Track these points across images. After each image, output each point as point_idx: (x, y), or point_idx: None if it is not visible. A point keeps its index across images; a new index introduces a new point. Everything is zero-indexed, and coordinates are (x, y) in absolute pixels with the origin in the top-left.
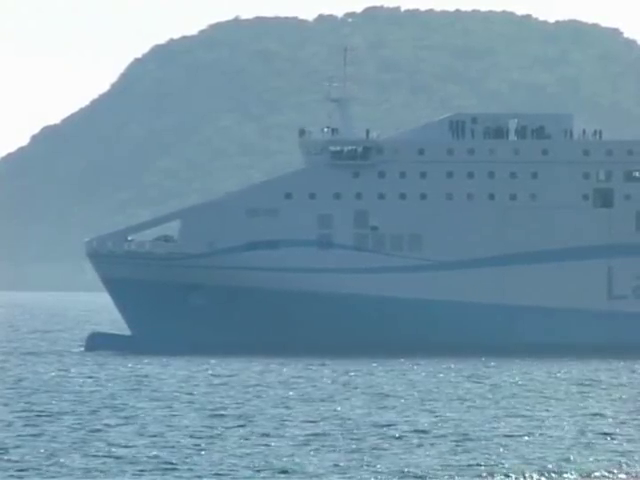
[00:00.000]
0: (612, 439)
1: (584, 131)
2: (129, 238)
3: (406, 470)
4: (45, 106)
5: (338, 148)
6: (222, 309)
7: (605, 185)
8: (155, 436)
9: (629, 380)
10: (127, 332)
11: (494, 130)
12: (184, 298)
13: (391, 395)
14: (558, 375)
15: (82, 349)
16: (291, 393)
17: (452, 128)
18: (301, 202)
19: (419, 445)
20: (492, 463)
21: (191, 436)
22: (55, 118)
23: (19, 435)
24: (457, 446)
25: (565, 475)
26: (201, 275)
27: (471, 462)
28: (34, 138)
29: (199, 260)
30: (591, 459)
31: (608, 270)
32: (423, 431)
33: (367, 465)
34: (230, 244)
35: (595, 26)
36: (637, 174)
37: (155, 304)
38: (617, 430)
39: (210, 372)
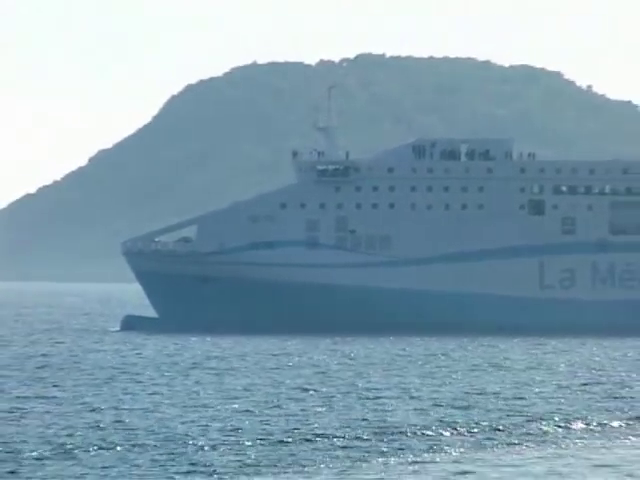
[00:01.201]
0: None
1: (521, 153)
2: (156, 239)
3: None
4: (100, 133)
5: (323, 167)
6: (229, 297)
7: (537, 197)
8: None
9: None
10: (154, 315)
11: (449, 152)
12: (199, 288)
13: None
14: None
15: (118, 329)
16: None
17: (415, 151)
18: (293, 210)
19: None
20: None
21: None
22: (108, 143)
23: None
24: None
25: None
26: (213, 269)
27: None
28: (91, 159)
29: (211, 257)
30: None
31: (540, 265)
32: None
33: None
34: (236, 244)
35: (542, 69)
36: (564, 188)
37: (176, 292)
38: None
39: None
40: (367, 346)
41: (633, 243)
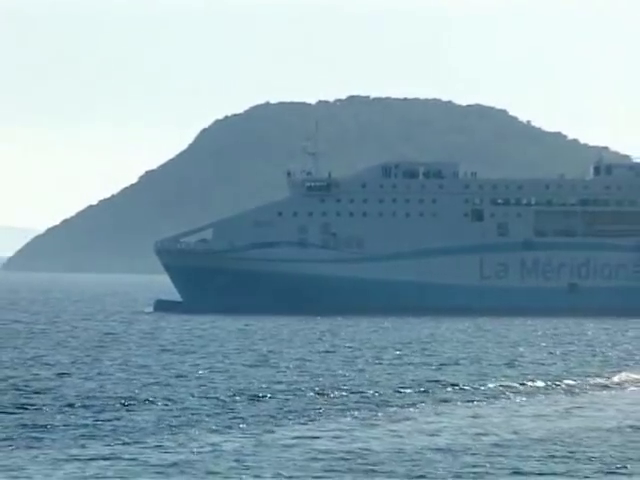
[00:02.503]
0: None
1: (465, 173)
2: (181, 240)
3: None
4: (147, 157)
5: (311, 184)
6: (237, 285)
7: (478, 207)
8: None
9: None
10: (179, 299)
11: (409, 172)
12: (214, 278)
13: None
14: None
15: (152, 309)
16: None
17: (383, 171)
18: (287, 218)
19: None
20: None
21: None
22: (153, 165)
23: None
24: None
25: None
26: (225, 263)
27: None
28: (140, 178)
29: (223, 254)
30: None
31: (480, 260)
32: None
33: None
34: (243, 244)
35: (492, 107)
36: (499, 200)
37: (196, 282)
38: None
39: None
40: (348, 324)
41: (552, 243)
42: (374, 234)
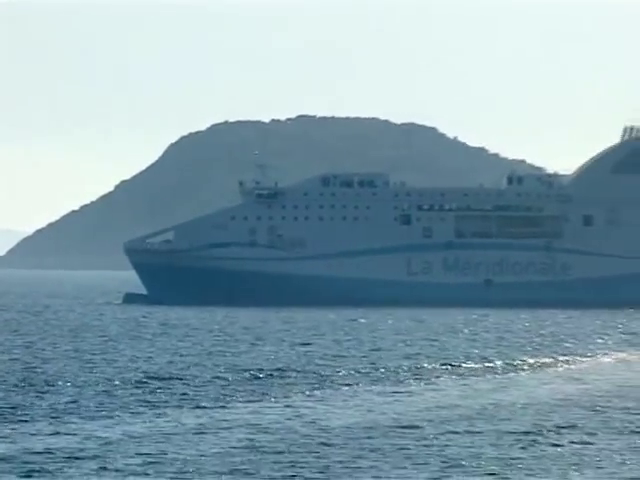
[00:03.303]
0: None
1: (395, 182)
2: (147, 241)
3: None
4: (122, 168)
5: (260, 192)
6: (195, 280)
7: (406, 212)
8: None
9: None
10: (145, 292)
11: (345, 182)
12: (176, 274)
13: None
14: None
15: (120, 302)
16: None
17: (322, 181)
18: (239, 221)
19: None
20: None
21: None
22: (127, 175)
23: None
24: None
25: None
26: (185, 261)
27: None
28: (116, 187)
29: (184, 253)
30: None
31: (407, 259)
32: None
33: None
34: (201, 244)
35: (423, 125)
36: (424, 206)
37: (160, 277)
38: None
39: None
40: (293, 313)
41: (470, 244)
42: (315, 236)
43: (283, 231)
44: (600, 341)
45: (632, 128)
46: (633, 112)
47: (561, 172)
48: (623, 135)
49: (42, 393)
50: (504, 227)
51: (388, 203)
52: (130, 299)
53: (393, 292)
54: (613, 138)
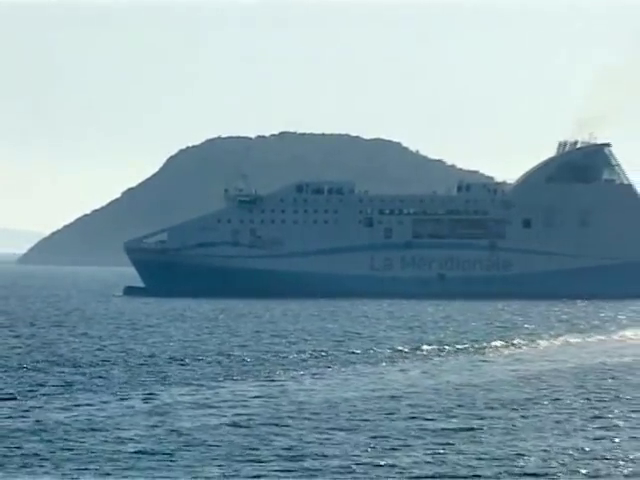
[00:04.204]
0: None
1: (359, 190)
2: (144, 240)
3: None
4: (128, 177)
5: (242, 198)
6: (186, 275)
7: (369, 216)
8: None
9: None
10: (142, 285)
11: (317, 190)
12: (170, 269)
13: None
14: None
15: (121, 294)
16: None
17: (297, 188)
18: (224, 224)
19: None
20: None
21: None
22: (133, 183)
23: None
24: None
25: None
26: (177, 259)
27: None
28: (122, 193)
29: (176, 251)
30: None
31: (371, 256)
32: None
33: None
34: (191, 244)
35: (390, 141)
36: (386, 211)
37: (155, 272)
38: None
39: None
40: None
41: (426, 243)
42: (290, 237)
43: (262, 232)
44: (541, 328)
45: (565, 143)
46: (566, 129)
47: (509, 181)
48: (558, 149)
49: (59, 368)
50: (454, 229)
51: (354, 208)
52: (129, 291)
53: (358, 285)
54: (551, 151)
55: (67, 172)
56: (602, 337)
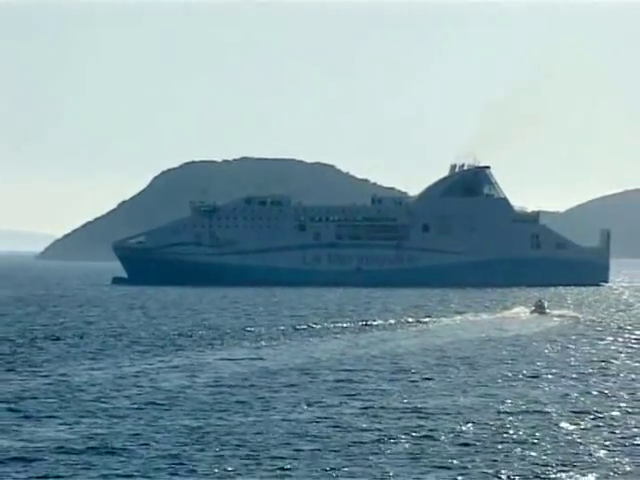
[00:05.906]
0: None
1: (294, 202)
2: (128, 241)
3: None
4: (122, 190)
5: (204, 208)
6: (160, 269)
7: (302, 222)
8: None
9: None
10: (126, 276)
11: (262, 202)
12: (147, 264)
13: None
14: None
15: (110, 283)
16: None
17: (245, 201)
18: (190, 228)
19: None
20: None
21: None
22: (126, 196)
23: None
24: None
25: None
26: (153, 255)
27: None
28: (118, 205)
29: (152, 250)
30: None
31: (303, 254)
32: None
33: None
34: (164, 244)
35: (325, 164)
36: (316, 218)
37: (136, 266)
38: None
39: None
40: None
41: (346, 244)
42: (241, 238)
43: (219, 235)
44: (441, 308)
45: (456, 165)
46: (457, 152)
47: (411, 194)
48: (451, 169)
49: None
50: (369, 232)
51: (290, 216)
52: (116, 281)
53: (294, 276)
54: (445, 171)
55: (76, 187)
56: (490, 316)
